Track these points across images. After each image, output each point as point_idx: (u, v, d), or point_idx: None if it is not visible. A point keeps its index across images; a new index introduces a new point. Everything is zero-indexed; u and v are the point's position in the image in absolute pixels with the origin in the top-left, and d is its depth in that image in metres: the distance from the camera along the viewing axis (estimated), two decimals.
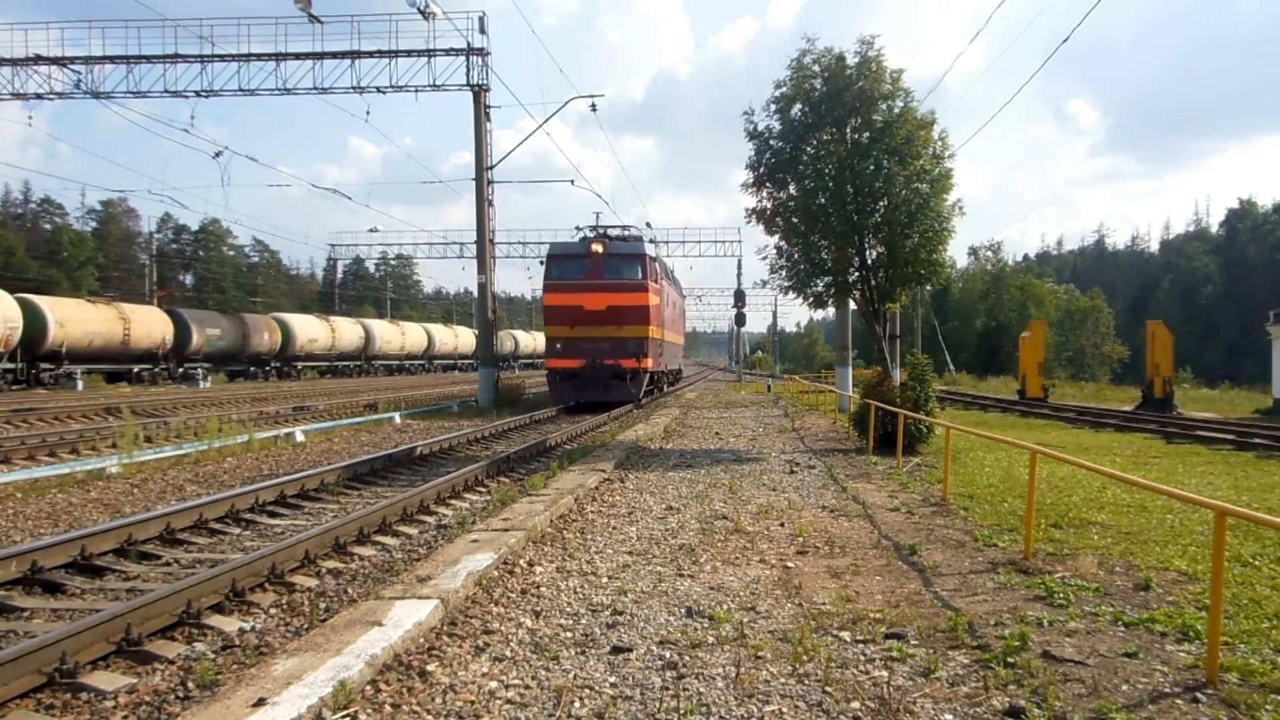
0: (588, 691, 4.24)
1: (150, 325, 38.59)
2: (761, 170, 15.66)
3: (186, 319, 41.28)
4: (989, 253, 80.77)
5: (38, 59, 28.22)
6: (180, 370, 41.03)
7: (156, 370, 39.36)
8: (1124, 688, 4.28)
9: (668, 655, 4.74)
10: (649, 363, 24.15)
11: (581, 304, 23.75)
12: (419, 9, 24.81)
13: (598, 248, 23.89)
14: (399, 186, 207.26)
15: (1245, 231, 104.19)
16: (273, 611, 5.95)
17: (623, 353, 23.56)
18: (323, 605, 6.06)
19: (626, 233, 27.04)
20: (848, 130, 15.27)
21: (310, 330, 51.67)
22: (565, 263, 24.65)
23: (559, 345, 24.07)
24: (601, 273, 23.96)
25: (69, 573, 6.78)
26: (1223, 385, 46.66)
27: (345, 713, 3.90)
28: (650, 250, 25.60)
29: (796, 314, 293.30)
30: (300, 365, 51.62)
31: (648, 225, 46.80)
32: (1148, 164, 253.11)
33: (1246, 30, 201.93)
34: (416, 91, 27.92)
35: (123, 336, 36.48)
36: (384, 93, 28.15)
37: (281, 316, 52.30)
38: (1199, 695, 4.15)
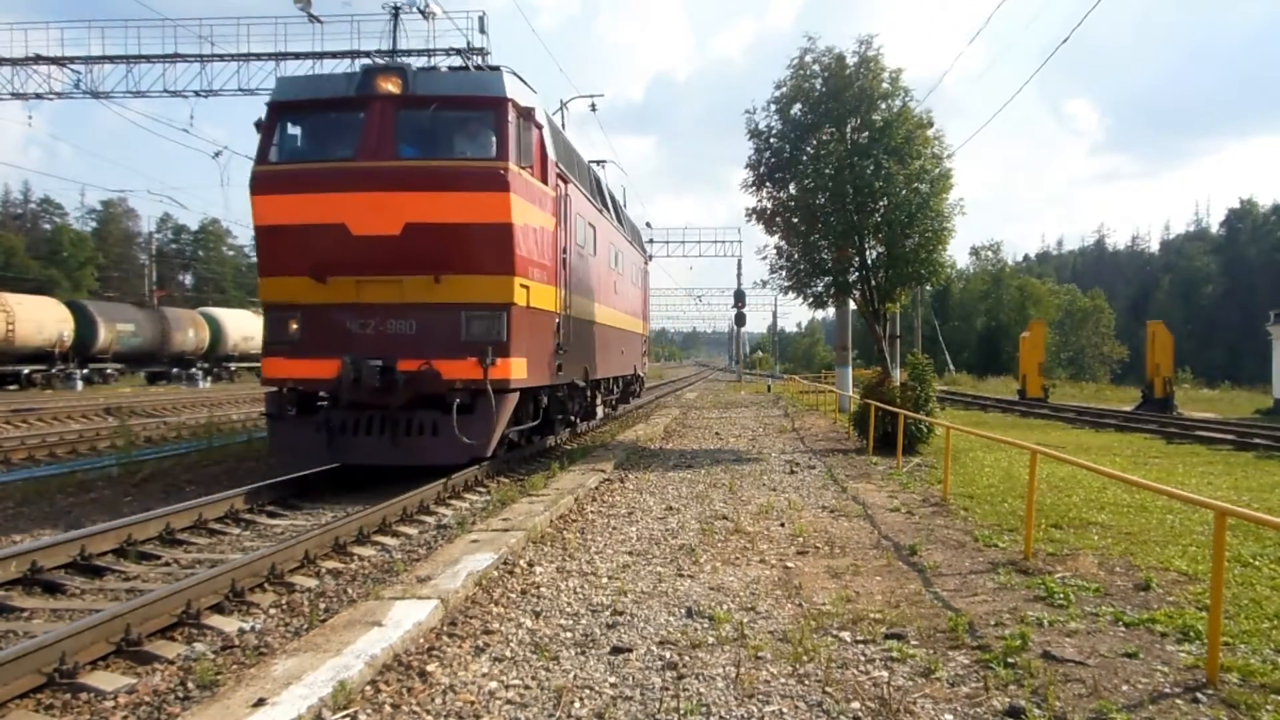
0: (588, 692, 4.24)
1: (42, 320, 32.96)
2: (762, 169, 15.67)
3: (92, 312, 35.97)
4: (989, 253, 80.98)
5: (38, 59, 28.20)
6: (84, 372, 35.35)
7: (52, 373, 33.62)
8: (1124, 688, 4.27)
9: (668, 655, 4.74)
10: (517, 367, 10.61)
11: (344, 221, 10.13)
12: (419, 9, 24.81)
13: (389, 85, 10.41)
14: None
15: (1245, 231, 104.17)
16: (272, 612, 5.95)
17: (445, 343, 10.22)
18: (322, 605, 6.05)
19: (478, 73, 12.74)
20: (847, 130, 15.29)
21: (245, 327, 44.47)
22: (306, 120, 11.00)
23: (293, 326, 10.58)
24: (393, 144, 10.38)
25: (69, 573, 6.77)
26: (1223, 385, 46.82)
27: (345, 713, 3.90)
28: (525, 97, 11.07)
29: (797, 314, 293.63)
30: (234, 366, 45.32)
31: (648, 225, 45.77)
32: (1147, 164, 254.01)
33: (1244, 30, 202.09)
34: None
35: (5, 333, 31.19)
36: None
37: (210, 311, 45.92)
38: (1199, 695, 4.15)
